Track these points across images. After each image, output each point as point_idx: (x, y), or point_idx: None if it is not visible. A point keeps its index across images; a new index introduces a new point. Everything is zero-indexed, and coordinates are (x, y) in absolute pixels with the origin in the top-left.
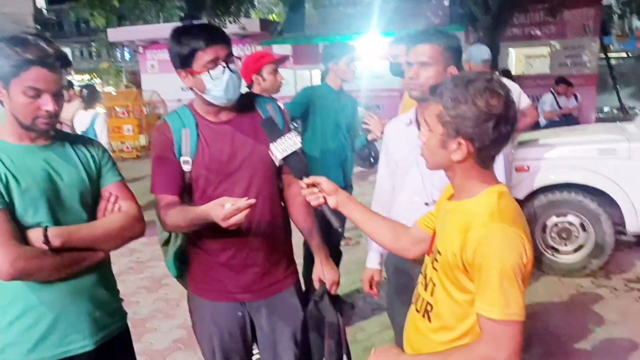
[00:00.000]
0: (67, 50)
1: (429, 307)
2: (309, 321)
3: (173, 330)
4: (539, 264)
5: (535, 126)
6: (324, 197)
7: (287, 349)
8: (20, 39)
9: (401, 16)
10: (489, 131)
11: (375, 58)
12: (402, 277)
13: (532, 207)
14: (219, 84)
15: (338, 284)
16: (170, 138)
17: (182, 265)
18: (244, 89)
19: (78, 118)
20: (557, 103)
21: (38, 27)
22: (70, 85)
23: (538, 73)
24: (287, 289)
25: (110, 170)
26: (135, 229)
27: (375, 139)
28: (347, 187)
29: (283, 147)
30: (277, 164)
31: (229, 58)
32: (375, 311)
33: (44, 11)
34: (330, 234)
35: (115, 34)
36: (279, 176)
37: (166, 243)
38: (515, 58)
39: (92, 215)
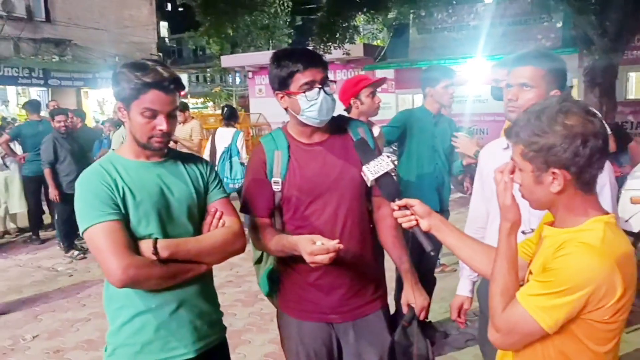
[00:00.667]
0: (184, 76)
1: None
2: (396, 346)
3: (265, 345)
4: None
5: None
6: (417, 220)
7: None
8: (140, 64)
9: (509, 40)
10: (579, 152)
11: (480, 83)
12: None
13: None
14: (313, 105)
15: (428, 310)
16: (263, 159)
17: (273, 284)
18: (342, 112)
19: (219, 134)
20: None
21: (160, 54)
22: (185, 107)
23: None
24: (374, 312)
25: (217, 187)
26: (237, 244)
27: (471, 163)
28: (443, 211)
29: (376, 168)
30: (369, 184)
31: (324, 81)
32: (469, 342)
33: (167, 40)
34: (424, 259)
35: (228, 60)
36: (369, 198)
37: (259, 261)
38: (636, 82)
39: (198, 229)
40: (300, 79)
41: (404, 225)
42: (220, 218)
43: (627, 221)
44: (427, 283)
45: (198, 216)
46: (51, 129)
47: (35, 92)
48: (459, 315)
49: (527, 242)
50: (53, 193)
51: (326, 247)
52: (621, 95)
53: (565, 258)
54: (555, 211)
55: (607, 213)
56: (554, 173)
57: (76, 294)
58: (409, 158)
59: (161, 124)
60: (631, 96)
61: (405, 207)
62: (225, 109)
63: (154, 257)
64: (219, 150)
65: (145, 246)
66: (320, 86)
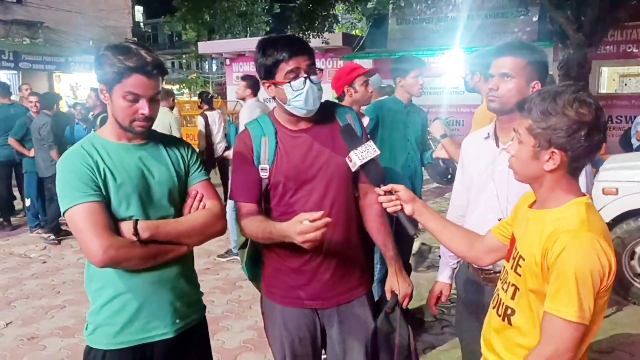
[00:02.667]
0: None
1: (509, 311)
2: (378, 333)
3: (244, 331)
4: (626, 293)
5: (628, 148)
6: (401, 205)
7: None
8: (124, 47)
9: (486, 32)
10: (581, 140)
11: (457, 74)
12: (472, 295)
13: (619, 232)
14: (299, 94)
15: (411, 297)
16: (250, 146)
17: (257, 269)
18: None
19: (212, 118)
20: None
21: (135, 39)
22: (170, 94)
23: (632, 93)
24: (358, 298)
25: (198, 170)
26: (217, 226)
27: (440, 157)
28: None
29: (362, 154)
30: (353, 170)
31: (310, 69)
32: (445, 329)
33: (141, 25)
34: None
35: (205, 46)
36: (356, 185)
37: (243, 246)
38: (608, 77)
39: (178, 211)
40: (285, 67)
41: (389, 209)
42: (200, 200)
43: (599, 211)
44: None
45: (179, 199)
46: (22, 113)
47: (5, 76)
48: (436, 302)
49: (503, 224)
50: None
51: (315, 225)
52: (594, 90)
53: (564, 256)
54: (538, 187)
55: (585, 195)
56: (552, 152)
57: (50, 280)
58: (382, 148)
59: (143, 107)
60: (603, 90)
61: (391, 192)
62: (204, 94)
63: (134, 238)
64: (217, 132)
65: (126, 227)
66: (306, 75)
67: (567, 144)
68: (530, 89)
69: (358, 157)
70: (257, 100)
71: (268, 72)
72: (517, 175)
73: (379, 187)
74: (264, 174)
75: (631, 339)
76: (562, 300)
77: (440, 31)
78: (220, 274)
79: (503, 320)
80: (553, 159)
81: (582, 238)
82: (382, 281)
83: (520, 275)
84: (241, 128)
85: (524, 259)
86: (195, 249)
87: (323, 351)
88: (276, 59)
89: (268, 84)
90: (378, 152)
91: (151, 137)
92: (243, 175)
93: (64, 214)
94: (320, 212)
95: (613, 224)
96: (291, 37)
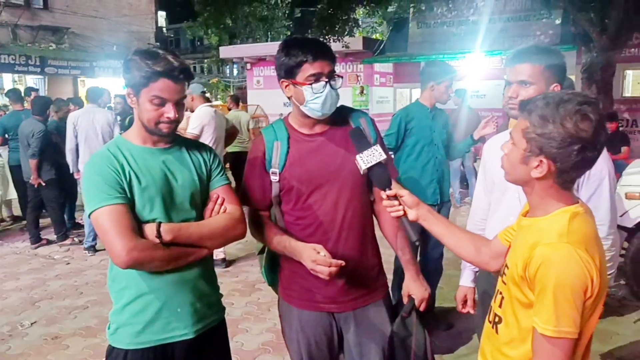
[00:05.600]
0: None
1: (497, 319)
2: (394, 337)
3: (263, 334)
4: None
5: None
6: (404, 210)
7: None
8: (152, 52)
9: (508, 35)
10: (573, 154)
11: (478, 78)
12: (490, 300)
13: None
14: (318, 97)
15: (428, 301)
16: (262, 150)
17: (275, 274)
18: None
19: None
20: None
21: (158, 44)
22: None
23: None
24: (375, 302)
25: (219, 174)
26: (237, 230)
27: (483, 135)
28: (444, 203)
29: (368, 158)
30: (361, 173)
31: (331, 74)
32: (464, 334)
33: (164, 30)
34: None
35: (226, 51)
36: (371, 189)
37: (262, 252)
38: (633, 80)
39: (200, 215)
40: (309, 69)
41: (392, 214)
42: (222, 204)
43: (621, 216)
44: (435, 272)
45: (201, 202)
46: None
47: (32, 80)
48: (464, 306)
49: (509, 230)
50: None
51: (329, 260)
52: (618, 93)
53: (542, 270)
54: (529, 193)
55: (576, 204)
56: (541, 160)
57: (74, 281)
58: (409, 154)
59: (169, 111)
60: (627, 94)
61: (395, 197)
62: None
63: (157, 240)
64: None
65: (149, 229)
66: (327, 80)
67: (557, 155)
68: None
69: (363, 160)
70: (207, 106)
71: (289, 72)
72: (506, 175)
73: (384, 191)
74: (274, 178)
75: None
76: (542, 316)
77: (461, 34)
78: (239, 276)
79: (492, 327)
80: (541, 167)
81: (559, 251)
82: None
83: (505, 283)
84: (193, 132)
85: (508, 267)
86: (214, 252)
87: (341, 355)
88: (300, 59)
89: (287, 84)
90: (384, 156)
91: (175, 141)
92: (253, 180)
93: (89, 215)
94: (340, 262)
95: (636, 229)
96: (316, 40)
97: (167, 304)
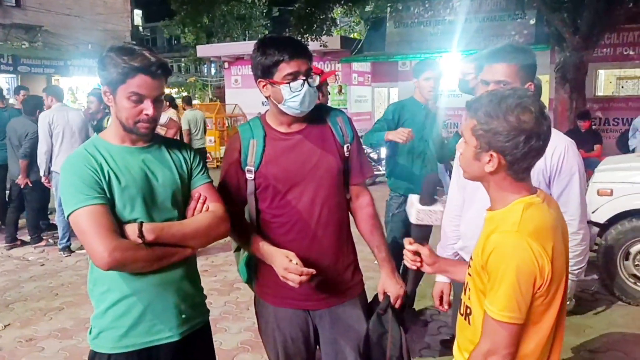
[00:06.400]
0: None
1: (468, 311)
2: (370, 334)
3: (241, 332)
4: (620, 293)
5: (625, 150)
6: (421, 263)
7: None
8: (128, 49)
9: (483, 35)
10: (519, 145)
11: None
12: None
13: (614, 232)
14: (296, 96)
15: (403, 298)
16: (238, 148)
17: (251, 271)
18: None
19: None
20: None
21: (134, 42)
22: (172, 100)
23: (629, 95)
24: (350, 300)
25: (201, 173)
26: (221, 228)
27: None
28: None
29: (426, 217)
30: (413, 221)
31: (309, 73)
32: (442, 329)
33: (140, 28)
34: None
35: (203, 50)
36: (347, 187)
37: (238, 249)
38: (605, 79)
39: (182, 214)
40: (286, 68)
41: (407, 265)
42: (204, 203)
43: (593, 212)
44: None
45: (182, 201)
46: (16, 117)
47: (4, 79)
48: (440, 303)
49: None
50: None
51: (300, 269)
52: (590, 92)
53: (492, 257)
54: (487, 187)
55: (533, 194)
56: (491, 155)
57: (49, 283)
58: (401, 148)
59: (147, 108)
60: (600, 93)
61: (416, 252)
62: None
63: (140, 241)
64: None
65: (131, 229)
66: (304, 78)
67: (505, 148)
68: None
69: (419, 217)
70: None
71: (266, 72)
72: (464, 173)
73: (410, 244)
74: (249, 176)
75: (625, 338)
76: (491, 299)
77: (438, 34)
78: (217, 275)
79: (465, 319)
80: (492, 161)
81: (509, 239)
82: None
83: (470, 275)
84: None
85: (472, 259)
86: None
87: (318, 351)
88: (277, 59)
89: (264, 83)
90: (439, 223)
91: (154, 140)
92: (229, 178)
93: (68, 217)
94: (312, 270)
95: (608, 224)
96: (292, 38)
97: (151, 306)
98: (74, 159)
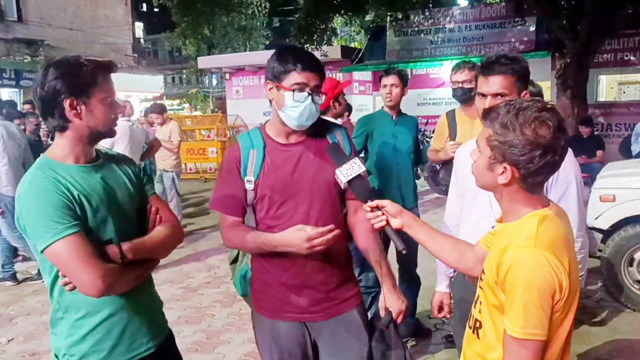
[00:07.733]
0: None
1: (477, 324)
2: (373, 350)
3: (245, 344)
4: (624, 300)
5: (628, 155)
6: (387, 220)
7: None
8: (75, 60)
9: (484, 42)
10: (535, 160)
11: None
12: (467, 305)
13: (617, 239)
14: (297, 107)
15: (405, 313)
16: (237, 157)
17: (248, 284)
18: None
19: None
20: None
21: (135, 55)
22: (163, 109)
23: (631, 100)
24: (347, 312)
25: (149, 184)
26: (180, 235)
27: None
28: (411, 210)
29: (347, 171)
30: (342, 187)
31: (317, 89)
32: (445, 339)
33: (142, 41)
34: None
35: (204, 61)
36: (344, 202)
37: (234, 261)
38: (606, 85)
39: (141, 228)
40: (295, 77)
41: (375, 225)
42: (157, 213)
43: (596, 219)
44: (413, 282)
45: (139, 215)
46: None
47: (7, 93)
48: (439, 312)
49: (489, 235)
50: None
51: (321, 230)
52: (592, 98)
53: (510, 273)
54: (499, 199)
55: (546, 207)
56: (505, 167)
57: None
58: (371, 159)
59: (117, 106)
60: (602, 98)
61: (377, 207)
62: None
63: (120, 262)
64: None
65: (112, 252)
66: (310, 92)
67: (520, 161)
68: None
69: (343, 174)
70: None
71: (277, 75)
72: (476, 182)
73: (366, 204)
74: (249, 186)
75: (630, 346)
76: (511, 318)
77: (438, 42)
78: (220, 287)
79: (473, 332)
80: (506, 173)
81: (526, 254)
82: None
83: (482, 288)
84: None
85: (484, 273)
86: (196, 264)
87: None
88: (289, 65)
89: (271, 86)
90: (364, 168)
91: (100, 155)
92: (229, 186)
93: (43, 250)
94: (331, 226)
95: (611, 230)
96: (312, 54)
97: (130, 323)
98: (38, 184)
